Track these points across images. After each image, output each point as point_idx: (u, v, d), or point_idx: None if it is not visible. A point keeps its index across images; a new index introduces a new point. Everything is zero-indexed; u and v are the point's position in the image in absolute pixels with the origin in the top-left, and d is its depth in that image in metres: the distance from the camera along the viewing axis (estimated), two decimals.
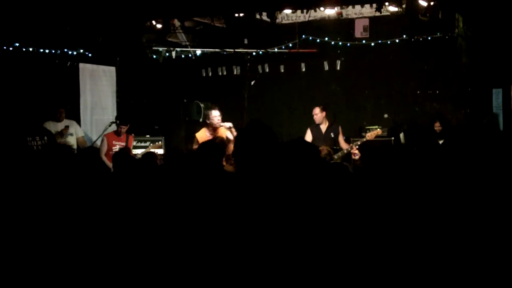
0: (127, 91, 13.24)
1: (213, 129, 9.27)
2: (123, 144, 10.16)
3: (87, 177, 3.47)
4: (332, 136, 10.15)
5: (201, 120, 12.33)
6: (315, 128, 10.27)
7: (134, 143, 10.82)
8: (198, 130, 9.67)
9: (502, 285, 2.66)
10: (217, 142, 7.88)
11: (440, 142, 10.09)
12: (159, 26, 11.87)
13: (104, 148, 10.08)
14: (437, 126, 10.24)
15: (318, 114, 10.24)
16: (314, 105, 10.58)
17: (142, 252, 3.03)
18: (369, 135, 9.97)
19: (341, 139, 10.17)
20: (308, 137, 10.06)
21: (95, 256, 3.01)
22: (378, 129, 10.37)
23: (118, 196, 3.62)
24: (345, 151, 9.65)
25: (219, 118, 9.31)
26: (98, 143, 10.52)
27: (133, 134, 10.66)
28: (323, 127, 10.24)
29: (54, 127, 10.12)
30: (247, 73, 13.02)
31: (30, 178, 3.46)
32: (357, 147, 9.39)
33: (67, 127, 10.32)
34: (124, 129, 10.27)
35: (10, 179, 3.56)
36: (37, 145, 8.44)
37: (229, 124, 9.30)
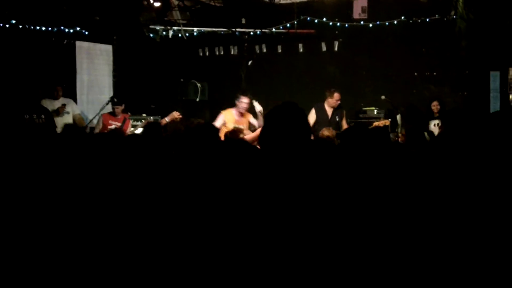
0: (124, 70, 13.19)
1: (240, 113, 9.29)
2: (119, 124, 10.10)
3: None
4: (337, 120, 10.07)
5: (198, 99, 12.31)
6: (321, 109, 10.06)
7: (131, 122, 10.78)
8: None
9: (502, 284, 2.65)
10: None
11: (434, 122, 10.12)
12: (156, 4, 11.80)
13: (100, 127, 10.04)
14: (435, 105, 10.24)
15: (339, 100, 10.13)
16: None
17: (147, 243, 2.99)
18: (376, 124, 9.91)
19: (344, 123, 10.12)
20: (312, 117, 9.94)
21: (94, 243, 2.98)
22: (387, 121, 10.33)
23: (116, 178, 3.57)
24: None
25: (247, 106, 9.30)
26: (95, 121, 10.48)
27: (129, 114, 10.57)
28: (329, 111, 10.12)
29: (51, 105, 10.07)
30: (244, 53, 12.98)
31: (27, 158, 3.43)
32: None
33: (64, 105, 10.27)
34: (119, 109, 10.15)
35: (9, 156, 3.53)
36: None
37: (260, 108, 9.27)
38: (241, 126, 9.16)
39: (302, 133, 3.03)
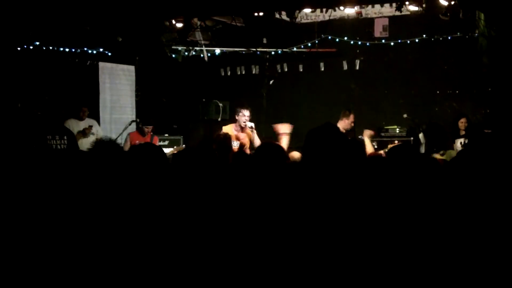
0: (146, 90, 13.29)
1: (240, 127, 9.26)
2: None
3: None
4: None
5: (219, 119, 12.36)
6: None
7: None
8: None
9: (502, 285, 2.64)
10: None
11: (460, 141, 10.03)
12: (178, 25, 11.90)
13: (127, 146, 10.09)
14: (463, 122, 10.15)
15: (353, 121, 10.09)
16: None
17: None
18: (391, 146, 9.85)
19: None
20: None
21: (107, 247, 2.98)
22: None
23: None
24: None
25: (247, 118, 9.26)
26: (118, 141, 10.54)
27: (156, 136, 10.67)
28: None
29: (77, 125, 10.15)
30: (266, 72, 13.03)
31: (44, 177, 3.45)
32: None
33: (90, 126, 10.31)
34: (148, 129, 10.28)
35: (26, 177, 3.56)
36: (56, 144, 8.50)
37: (251, 124, 9.24)
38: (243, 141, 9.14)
39: (340, 152, 3.09)
